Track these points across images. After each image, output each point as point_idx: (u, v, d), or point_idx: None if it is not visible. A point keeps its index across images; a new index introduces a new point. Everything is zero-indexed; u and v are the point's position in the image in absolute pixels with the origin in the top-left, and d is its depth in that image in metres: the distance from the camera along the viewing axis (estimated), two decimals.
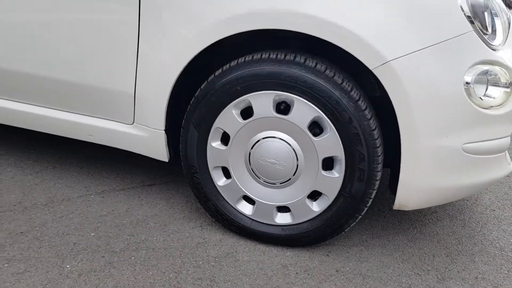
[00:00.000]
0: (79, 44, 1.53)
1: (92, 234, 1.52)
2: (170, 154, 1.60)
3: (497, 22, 1.36)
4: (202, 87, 1.45)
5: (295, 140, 1.40)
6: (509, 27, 1.40)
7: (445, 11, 1.26)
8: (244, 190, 1.51)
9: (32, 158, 2.01)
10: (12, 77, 1.67)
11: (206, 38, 1.36)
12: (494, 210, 1.85)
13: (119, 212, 1.66)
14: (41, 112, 1.71)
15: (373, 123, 1.33)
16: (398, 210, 1.77)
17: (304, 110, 1.35)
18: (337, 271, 1.44)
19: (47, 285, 1.28)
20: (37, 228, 1.53)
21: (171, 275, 1.36)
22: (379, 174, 1.38)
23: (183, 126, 1.51)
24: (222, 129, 1.46)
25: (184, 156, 1.54)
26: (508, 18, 1.40)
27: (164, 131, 1.54)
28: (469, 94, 1.27)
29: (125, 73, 1.50)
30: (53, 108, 1.69)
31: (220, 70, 1.42)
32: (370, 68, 1.27)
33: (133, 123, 1.59)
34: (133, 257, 1.42)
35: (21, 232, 1.50)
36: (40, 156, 2.03)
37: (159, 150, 1.59)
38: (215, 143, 1.49)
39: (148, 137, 1.58)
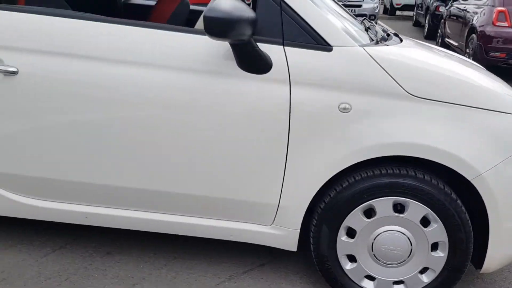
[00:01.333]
0: (226, 163, 1.91)
1: None
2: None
3: None
4: (332, 195, 1.89)
5: (409, 231, 1.87)
6: None
7: (509, 130, 1.80)
8: (367, 270, 1.95)
9: (157, 252, 2.32)
10: (158, 195, 2.00)
11: (344, 163, 1.81)
12: None
13: None
14: (181, 220, 2.05)
15: (467, 216, 1.83)
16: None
17: (417, 209, 1.83)
18: None
19: None
20: None
21: None
22: (471, 251, 1.88)
23: (314, 225, 1.94)
24: (350, 226, 1.90)
25: (316, 249, 1.96)
26: None
27: (300, 229, 1.95)
28: None
29: (271, 189, 1.91)
30: (190, 215, 2.05)
31: (346, 182, 1.87)
32: (469, 179, 1.77)
33: (271, 225, 1.99)
34: None
35: None
36: (159, 251, 2.35)
37: (291, 243, 2.00)
38: (343, 238, 1.92)
39: (284, 235, 1.98)
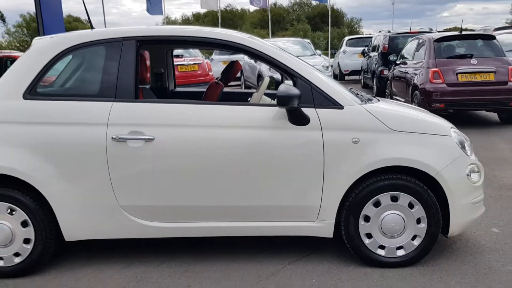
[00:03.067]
0: (286, 182, 3.05)
1: None
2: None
3: (467, 146, 3.20)
4: (353, 196, 3.05)
5: (402, 213, 3.05)
6: (471, 146, 3.25)
7: (451, 144, 3.07)
8: (379, 242, 3.09)
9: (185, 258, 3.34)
10: (243, 208, 3.10)
11: (358, 174, 3.00)
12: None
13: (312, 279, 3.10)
14: (257, 225, 3.13)
15: (435, 199, 3.04)
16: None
17: (405, 198, 3.03)
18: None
19: None
20: None
21: None
22: (441, 222, 3.07)
23: (344, 217, 3.07)
24: (366, 215, 3.06)
25: (346, 232, 3.09)
26: (470, 142, 3.25)
27: (334, 220, 3.09)
28: (471, 179, 3.05)
29: (315, 196, 3.05)
30: (263, 221, 3.14)
31: (361, 187, 3.04)
32: (432, 175, 2.99)
33: (315, 220, 3.11)
34: None
35: None
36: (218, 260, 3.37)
37: (329, 232, 3.11)
38: (362, 222, 3.07)
39: (324, 226, 3.10)
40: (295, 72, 3.07)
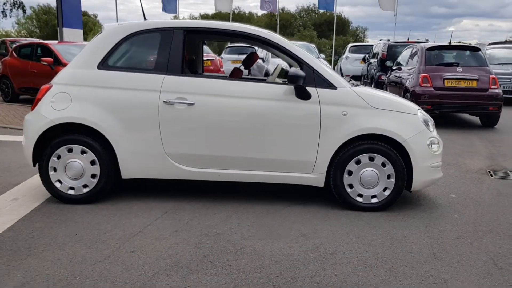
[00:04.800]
0: (290, 141, 4.05)
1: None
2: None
3: (430, 124, 4.21)
4: (341, 154, 4.05)
5: (377, 170, 4.06)
6: (434, 124, 4.27)
7: (416, 120, 4.09)
8: (358, 191, 4.10)
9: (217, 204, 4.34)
10: (255, 160, 4.10)
11: (345, 138, 4.00)
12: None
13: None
14: (266, 173, 4.14)
15: (402, 161, 4.05)
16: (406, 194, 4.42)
17: (380, 159, 4.03)
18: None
19: None
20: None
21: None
22: (406, 179, 4.08)
23: (333, 171, 4.08)
24: (349, 170, 4.07)
25: (334, 183, 4.08)
26: (433, 122, 4.27)
27: (325, 173, 4.09)
28: (432, 148, 4.07)
29: (312, 153, 4.05)
30: (271, 171, 4.14)
31: (347, 148, 4.04)
32: (401, 142, 4.01)
33: (311, 172, 4.12)
34: None
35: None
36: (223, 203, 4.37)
37: (321, 182, 4.12)
38: (346, 176, 4.08)
39: (317, 177, 4.10)
40: (302, 59, 4.08)
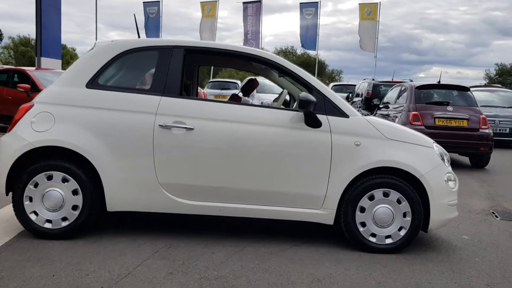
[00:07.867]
0: (298, 173, 3.67)
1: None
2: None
3: (446, 159, 3.91)
4: (352, 189, 3.69)
5: (391, 206, 3.70)
6: (449, 161, 3.97)
7: (433, 154, 3.78)
8: (372, 230, 3.71)
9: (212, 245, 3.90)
10: (259, 193, 3.69)
11: (357, 172, 3.65)
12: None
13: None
14: (271, 208, 3.72)
15: (418, 197, 3.71)
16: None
17: (395, 195, 3.68)
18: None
19: None
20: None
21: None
22: (422, 218, 3.72)
23: (344, 207, 3.70)
24: (362, 206, 3.70)
25: (345, 220, 3.70)
26: (448, 157, 3.97)
27: (336, 210, 3.71)
28: (448, 185, 3.75)
29: (322, 187, 3.67)
30: (277, 206, 3.74)
31: (359, 182, 3.69)
32: (417, 177, 3.68)
33: (320, 208, 3.73)
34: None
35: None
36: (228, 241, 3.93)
37: (331, 219, 3.73)
38: (359, 213, 3.70)
39: (327, 214, 3.71)
40: (312, 85, 3.77)
